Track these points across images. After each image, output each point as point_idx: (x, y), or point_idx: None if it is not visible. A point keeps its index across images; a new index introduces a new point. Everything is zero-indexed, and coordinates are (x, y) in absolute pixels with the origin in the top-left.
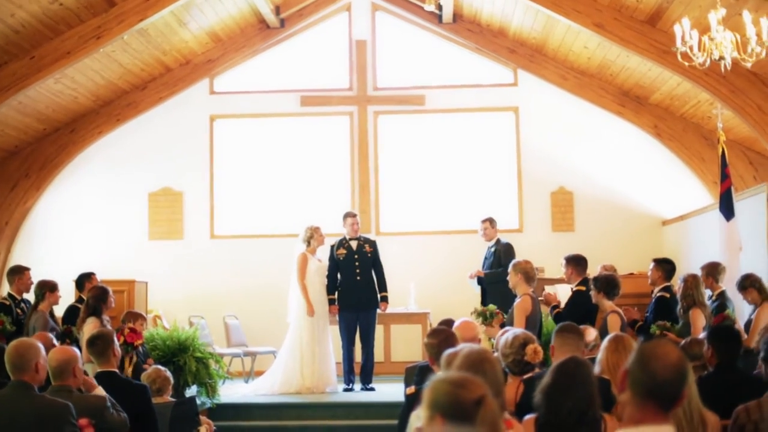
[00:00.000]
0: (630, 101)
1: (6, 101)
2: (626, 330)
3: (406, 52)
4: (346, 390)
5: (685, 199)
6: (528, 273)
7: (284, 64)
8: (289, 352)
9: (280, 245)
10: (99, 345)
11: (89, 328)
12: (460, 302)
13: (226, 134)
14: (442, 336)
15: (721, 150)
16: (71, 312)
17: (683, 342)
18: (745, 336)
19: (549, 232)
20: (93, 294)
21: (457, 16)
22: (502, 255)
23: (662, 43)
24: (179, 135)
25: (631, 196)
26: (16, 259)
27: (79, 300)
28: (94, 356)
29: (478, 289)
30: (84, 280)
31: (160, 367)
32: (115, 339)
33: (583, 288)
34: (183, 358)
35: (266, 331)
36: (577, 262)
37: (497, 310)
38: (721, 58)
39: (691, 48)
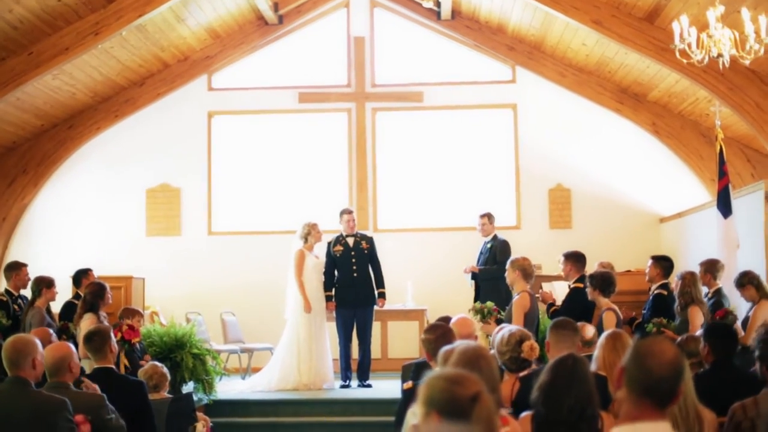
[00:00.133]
0: (628, 98)
1: (4, 97)
2: (622, 327)
3: (404, 49)
4: (342, 387)
5: (683, 196)
6: (526, 270)
7: (282, 61)
8: (286, 349)
9: (277, 242)
10: (96, 341)
11: (86, 324)
12: (458, 299)
13: (224, 131)
14: (439, 332)
15: (719, 147)
16: (68, 308)
17: (679, 339)
18: (742, 333)
19: (547, 229)
20: (90, 290)
21: (455, 13)
22: (497, 252)
23: (660, 40)
24: (177, 131)
25: (628, 194)
26: (13, 255)
27: (76, 296)
28: (91, 352)
29: (471, 284)
30: (81, 276)
31: (157, 363)
32: (112, 335)
33: (581, 285)
34: (180, 355)
35: (263, 328)
36: (576, 259)
37: (495, 307)
38: (720, 55)
39: (689, 45)
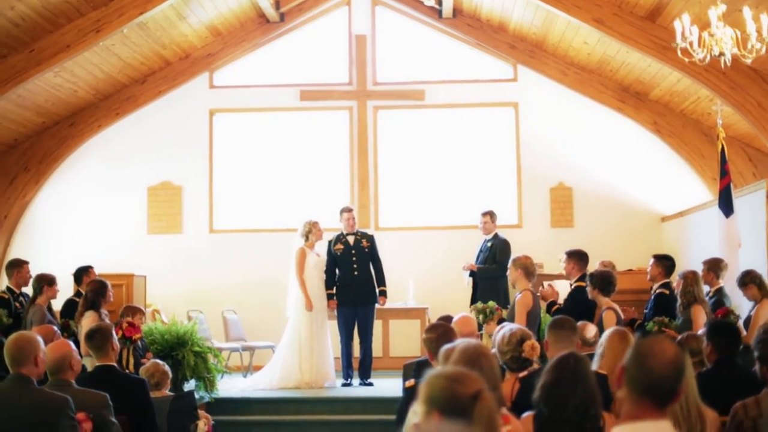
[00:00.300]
0: (630, 97)
1: (5, 94)
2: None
3: (405, 47)
4: (344, 385)
5: (685, 195)
6: (528, 268)
7: (284, 59)
8: (288, 347)
9: (278, 240)
10: (97, 339)
11: (88, 321)
12: (459, 298)
13: (225, 128)
14: (440, 330)
15: (720, 146)
16: (69, 306)
17: (679, 337)
18: (744, 332)
19: (548, 227)
20: (92, 288)
21: (456, 11)
22: (497, 251)
23: (662, 39)
24: (178, 129)
25: (630, 193)
26: (14, 252)
27: (77, 294)
28: (92, 350)
29: (468, 282)
30: (82, 274)
31: (158, 361)
32: (114, 333)
33: (583, 284)
34: (181, 353)
35: (265, 326)
36: (579, 257)
37: (497, 307)
38: (721, 54)
39: (691, 44)
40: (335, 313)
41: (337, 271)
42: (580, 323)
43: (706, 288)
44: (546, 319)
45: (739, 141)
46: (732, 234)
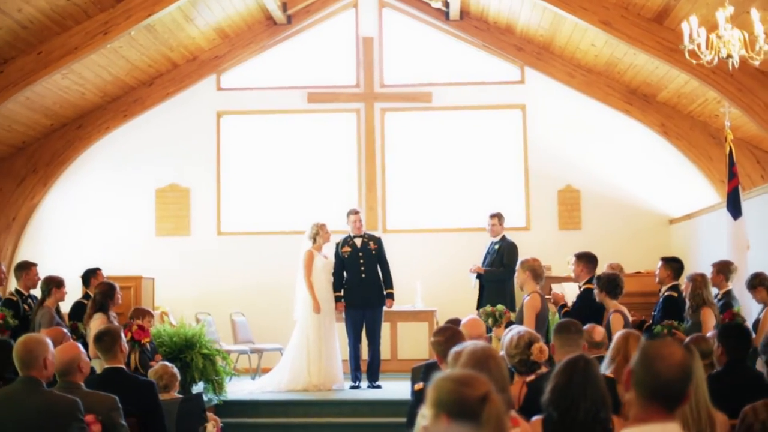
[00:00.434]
0: (637, 99)
1: (13, 97)
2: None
3: (413, 49)
4: (352, 387)
5: (693, 197)
6: (536, 270)
7: (291, 61)
8: (296, 350)
9: (286, 242)
10: (106, 341)
11: (96, 324)
12: (467, 300)
13: (233, 131)
14: (448, 333)
15: (728, 148)
16: (77, 308)
17: (688, 339)
18: (753, 335)
19: (556, 230)
20: (100, 290)
21: (464, 13)
22: (504, 254)
23: (670, 41)
24: (186, 131)
25: (638, 195)
26: (23, 254)
27: (85, 296)
28: (101, 352)
29: (475, 284)
30: (90, 276)
31: (167, 363)
32: (122, 335)
33: (592, 286)
34: (190, 355)
35: (273, 328)
36: (588, 260)
37: (506, 310)
38: (729, 56)
39: (698, 46)
40: (343, 315)
41: (344, 273)
42: (587, 326)
43: (714, 291)
44: (556, 321)
45: (747, 143)
46: (740, 236)
